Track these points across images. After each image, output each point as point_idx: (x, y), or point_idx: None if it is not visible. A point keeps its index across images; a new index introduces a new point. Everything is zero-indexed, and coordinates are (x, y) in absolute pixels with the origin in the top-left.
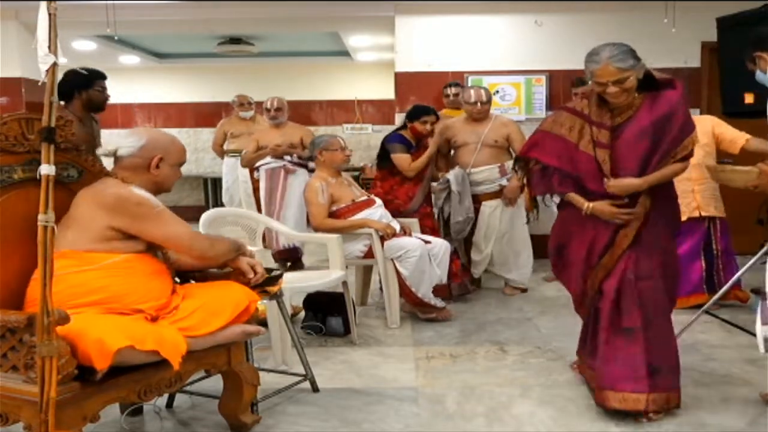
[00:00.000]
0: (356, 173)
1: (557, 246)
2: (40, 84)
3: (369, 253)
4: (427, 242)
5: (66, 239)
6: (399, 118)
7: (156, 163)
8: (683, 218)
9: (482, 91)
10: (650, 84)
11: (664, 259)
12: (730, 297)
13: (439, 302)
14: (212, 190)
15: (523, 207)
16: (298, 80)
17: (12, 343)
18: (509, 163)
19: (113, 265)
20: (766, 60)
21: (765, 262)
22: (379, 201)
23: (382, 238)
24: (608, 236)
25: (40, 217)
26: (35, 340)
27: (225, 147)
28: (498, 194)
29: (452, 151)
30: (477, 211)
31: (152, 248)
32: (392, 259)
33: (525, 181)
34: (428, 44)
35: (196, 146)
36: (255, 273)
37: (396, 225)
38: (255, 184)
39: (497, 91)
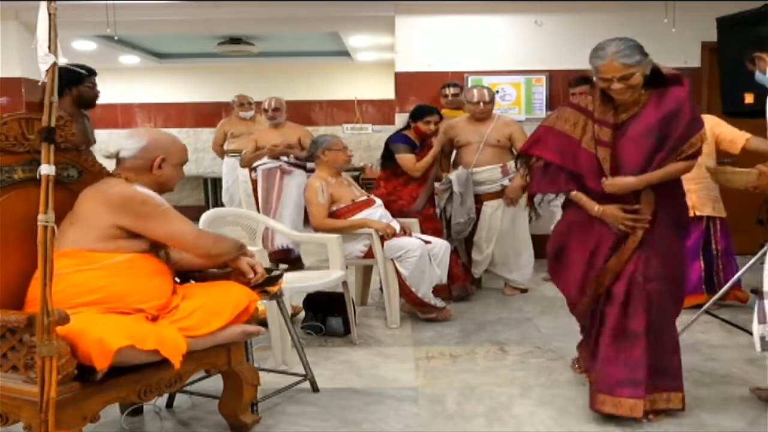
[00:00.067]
0: (356, 173)
1: (558, 247)
2: (40, 84)
3: (369, 253)
4: (427, 242)
5: (69, 238)
6: (399, 118)
7: (158, 164)
8: None
9: (485, 91)
10: (657, 80)
11: (670, 260)
12: (729, 297)
13: (439, 302)
14: (212, 190)
15: (525, 206)
16: (298, 80)
17: (12, 343)
18: (511, 163)
19: (115, 264)
20: (765, 61)
21: (764, 263)
22: (378, 201)
23: (382, 238)
24: (613, 239)
25: (40, 217)
26: (35, 340)
27: (225, 147)
28: (500, 194)
29: (454, 151)
30: (478, 211)
31: (155, 248)
32: (392, 259)
33: (528, 179)
34: (428, 44)
35: (196, 146)
36: (255, 273)
37: (396, 225)
38: (255, 184)
39: (497, 91)
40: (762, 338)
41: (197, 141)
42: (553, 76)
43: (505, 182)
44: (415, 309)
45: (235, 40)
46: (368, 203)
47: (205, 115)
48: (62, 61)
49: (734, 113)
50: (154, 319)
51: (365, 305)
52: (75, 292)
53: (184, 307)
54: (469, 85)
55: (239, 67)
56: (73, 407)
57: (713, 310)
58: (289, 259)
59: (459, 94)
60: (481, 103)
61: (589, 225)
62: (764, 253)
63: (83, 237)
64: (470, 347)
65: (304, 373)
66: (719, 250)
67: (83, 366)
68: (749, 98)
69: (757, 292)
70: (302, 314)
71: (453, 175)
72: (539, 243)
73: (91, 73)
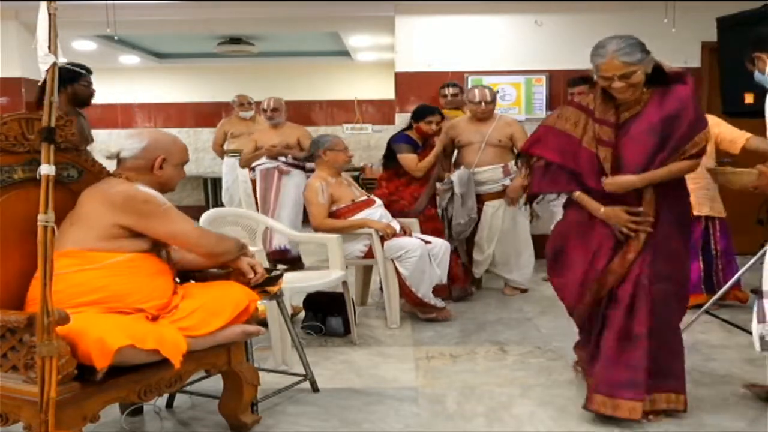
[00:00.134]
0: (356, 173)
1: (558, 247)
2: (40, 84)
3: (369, 253)
4: (427, 242)
5: (70, 238)
6: (399, 118)
7: (159, 164)
8: None
9: (486, 91)
10: (659, 78)
11: (675, 261)
12: (729, 297)
13: (439, 302)
14: (212, 190)
15: (526, 206)
16: (298, 80)
17: (12, 343)
18: (512, 163)
19: (116, 264)
20: (764, 61)
21: (764, 263)
22: (378, 201)
23: (382, 238)
24: (615, 239)
25: (40, 217)
26: (35, 340)
27: (225, 147)
28: (501, 194)
29: (456, 151)
30: (480, 211)
31: (156, 247)
32: (392, 259)
33: (529, 179)
34: (428, 44)
35: (196, 146)
36: (255, 273)
37: (396, 225)
38: (254, 184)
39: (497, 91)
40: (761, 338)
41: (197, 141)
42: (553, 76)
43: (507, 182)
44: (415, 309)
45: (235, 40)
46: (368, 203)
47: (205, 115)
48: (62, 61)
49: (734, 113)
50: (155, 318)
51: (365, 305)
52: (75, 292)
53: (184, 307)
54: (469, 85)
55: (239, 67)
56: (73, 407)
57: (713, 310)
58: (286, 259)
59: (458, 95)
60: (483, 103)
61: (591, 225)
62: (764, 253)
63: (84, 236)
64: (470, 347)
65: (304, 373)
66: (719, 250)
67: (83, 366)
68: (749, 98)
69: (757, 292)
70: (302, 314)
71: (455, 176)
72: (539, 243)
73: (87, 71)
